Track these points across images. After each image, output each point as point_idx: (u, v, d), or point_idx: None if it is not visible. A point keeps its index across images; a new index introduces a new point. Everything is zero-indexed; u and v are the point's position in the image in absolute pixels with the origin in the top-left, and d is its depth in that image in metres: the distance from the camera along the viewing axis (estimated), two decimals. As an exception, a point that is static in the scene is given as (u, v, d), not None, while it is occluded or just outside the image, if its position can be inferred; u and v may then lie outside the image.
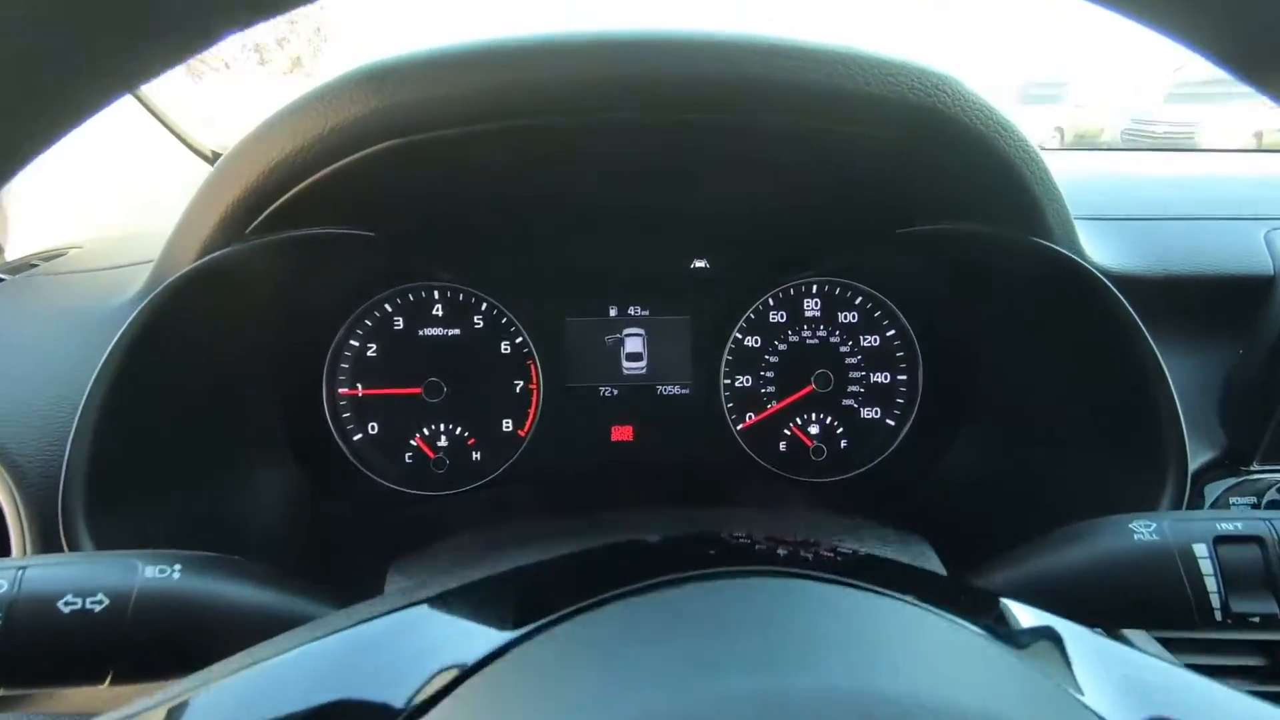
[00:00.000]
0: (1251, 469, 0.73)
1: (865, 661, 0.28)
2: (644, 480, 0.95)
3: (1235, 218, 0.81)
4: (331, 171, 0.52)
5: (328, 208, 0.60)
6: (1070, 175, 0.69)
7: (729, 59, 0.48)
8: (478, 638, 0.33)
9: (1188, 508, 0.63)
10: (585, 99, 0.48)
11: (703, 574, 0.34)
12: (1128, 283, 0.75)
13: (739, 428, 0.97)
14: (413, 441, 0.94)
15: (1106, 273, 0.74)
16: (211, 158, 1.21)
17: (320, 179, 0.53)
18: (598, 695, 0.26)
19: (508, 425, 0.96)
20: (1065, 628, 0.36)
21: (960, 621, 0.33)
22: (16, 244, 0.93)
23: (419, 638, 0.36)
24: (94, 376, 0.56)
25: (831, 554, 0.42)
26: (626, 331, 0.97)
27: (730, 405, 0.97)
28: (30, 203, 0.97)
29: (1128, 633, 0.53)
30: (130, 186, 1.12)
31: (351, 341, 0.92)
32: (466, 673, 0.30)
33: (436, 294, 0.94)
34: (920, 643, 0.31)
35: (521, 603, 0.36)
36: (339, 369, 0.92)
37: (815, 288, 0.97)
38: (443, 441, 0.94)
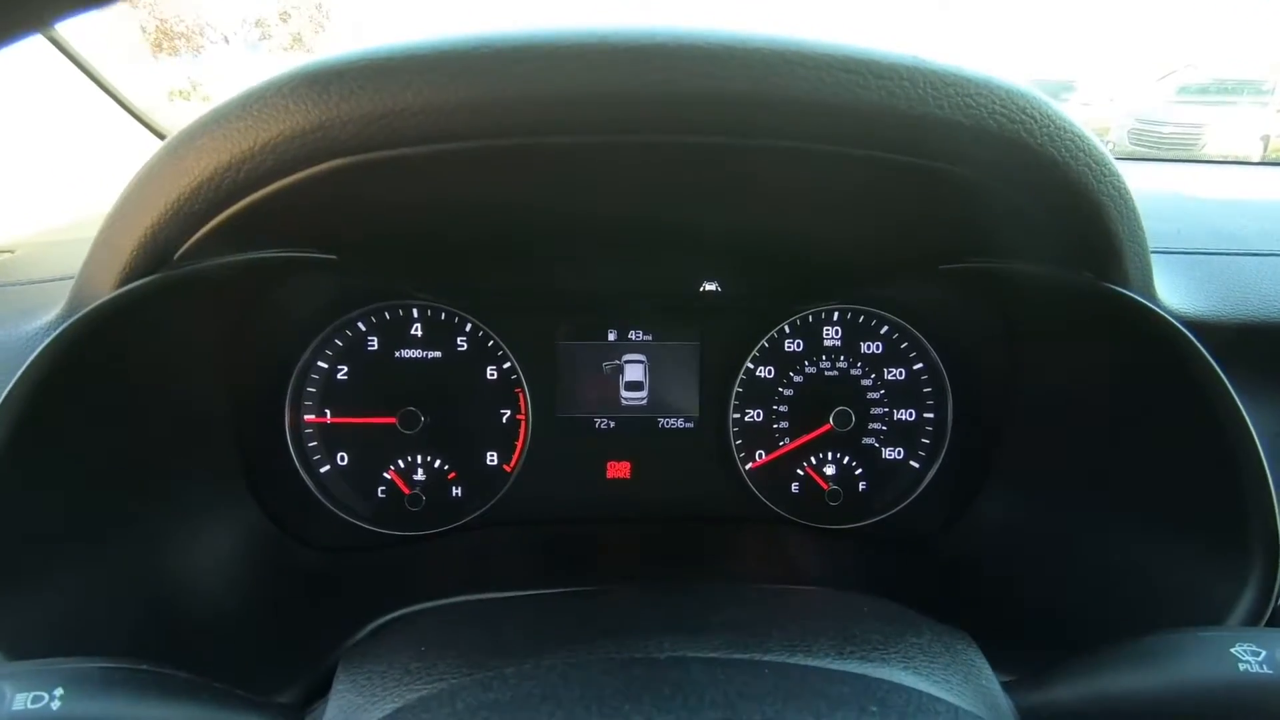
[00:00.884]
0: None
1: None
2: (641, 524, 0.86)
3: None
4: (270, 192, 0.42)
5: (273, 230, 0.50)
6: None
7: (765, 70, 0.38)
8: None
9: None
10: (581, 119, 0.38)
11: None
12: (1202, 329, 0.66)
13: (748, 467, 0.88)
14: (386, 475, 0.84)
15: (1181, 318, 0.64)
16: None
17: (257, 201, 0.43)
18: None
19: (492, 459, 0.86)
20: None
21: None
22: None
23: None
24: None
25: None
26: (626, 358, 0.88)
27: (739, 442, 0.88)
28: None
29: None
30: (85, 177, 1.02)
31: (320, 363, 0.83)
32: None
33: (415, 312, 0.84)
34: None
35: None
36: (305, 393, 0.83)
37: (836, 315, 0.88)
38: (420, 475, 0.85)
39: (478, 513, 0.85)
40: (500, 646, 0.47)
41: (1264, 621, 0.53)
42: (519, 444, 0.86)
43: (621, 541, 0.84)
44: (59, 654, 0.39)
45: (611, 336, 0.87)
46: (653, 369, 0.88)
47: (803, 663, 0.40)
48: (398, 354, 0.84)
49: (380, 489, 0.85)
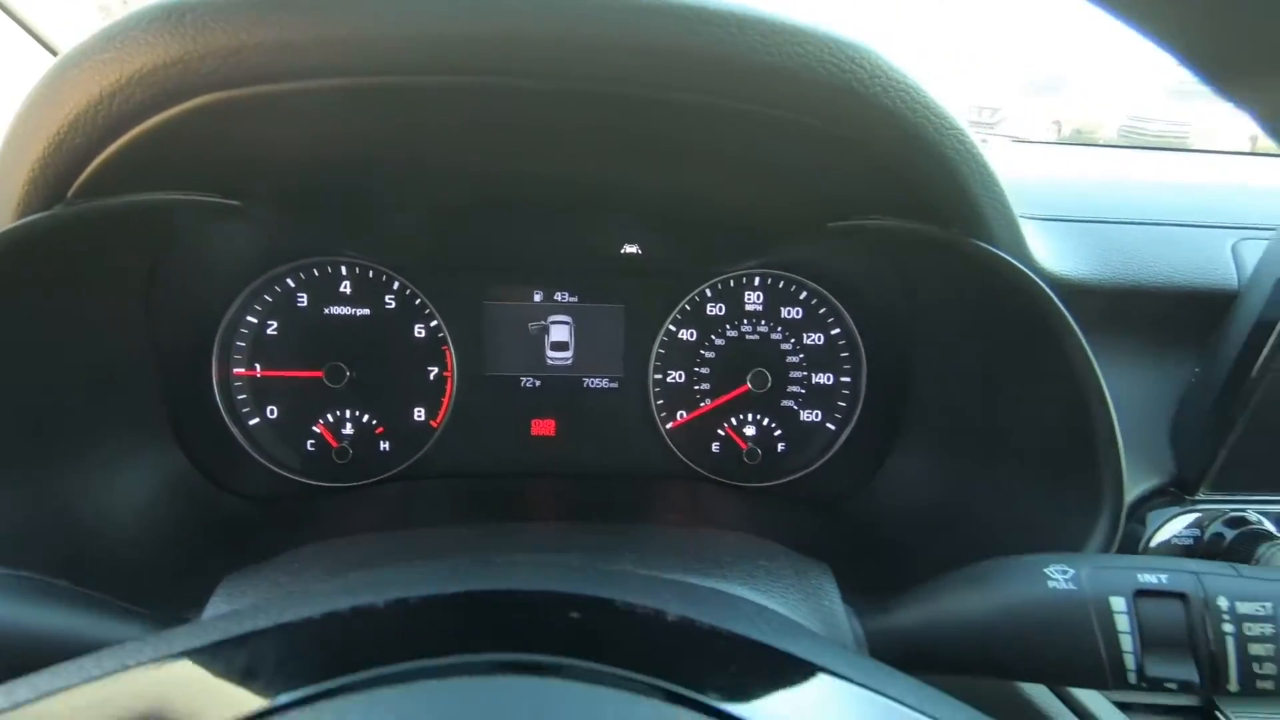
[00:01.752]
0: (1198, 498, 0.68)
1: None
2: (564, 480, 0.89)
3: (1204, 225, 0.74)
4: (150, 128, 0.44)
5: (167, 171, 0.52)
6: (1049, 172, 0.62)
7: (596, 15, 0.40)
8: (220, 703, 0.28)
9: (1126, 537, 0.57)
10: (426, 58, 0.40)
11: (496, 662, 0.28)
12: (1084, 291, 0.69)
13: (669, 426, 0.91)
14: (315, 429, 0.87)
15: (1057, 279, 0.67)
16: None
17: (139, 137, 0.45)
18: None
19: (419, 414, 0.89)
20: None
21: None
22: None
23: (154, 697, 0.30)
24: None
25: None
26: (552, 319, 0.90)
27: (660, 402, 0.91)
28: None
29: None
30: None
31: (249, 318, 0.85)
32: None
33: (344, 270, 0.86)
34: None
35: (282, 670, 0.30)
36: (234, 346, 0.85)
37: (757, 280, 0.90)
38: (348, 429, 0.88)
39: (404, 466, 0.88)
40: (369, 559, 0.50)
41: (1114, 549, 0.56)
42: (445, 401, 0.89)
43: (542, 496, 0.86)
44: None
45: (537, 298, 0.90)
46: (578, 330, 0.90)
47: (634, 569, 0.43)
48: (327, 310, 0.86)
49: (309, 442, 0.87)
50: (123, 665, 0.30)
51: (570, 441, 0.91)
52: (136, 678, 0.30)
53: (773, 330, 0.91)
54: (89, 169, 0.49)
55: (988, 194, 0.55)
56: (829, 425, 0.92)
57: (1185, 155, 1.36)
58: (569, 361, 0.91)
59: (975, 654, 0.46)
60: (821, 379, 0.91)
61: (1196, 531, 0.67)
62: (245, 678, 0.29)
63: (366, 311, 0.87)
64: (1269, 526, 0.65)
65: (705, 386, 0.91)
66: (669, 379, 0.91)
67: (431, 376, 0.89)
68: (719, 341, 0.91)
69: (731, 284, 0.90)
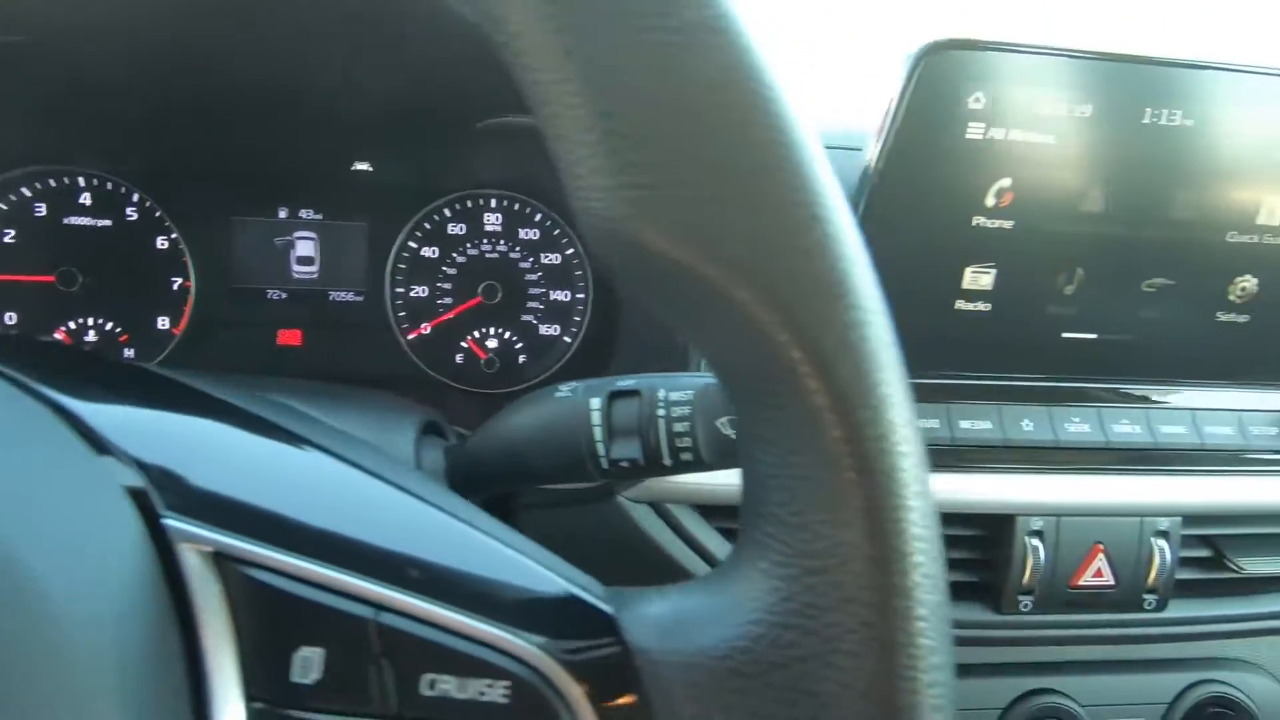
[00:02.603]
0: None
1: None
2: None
3: None
4: None
5: None
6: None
7: None
8: None
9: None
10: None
11: None
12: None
13: (410, 337, 0.97)
14: (56, 335, 0.90)
15: None
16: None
17: None
18: None
19: (163, 323, 0.93)
20: None
21: None
22: None
23: None
24: None
25: None
26: (297, 234, 0.96)
27: (402, 314, 0.97)
28: None
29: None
30: None
31: (-18, 224, 0.88)
32: None
33: (82, 181, 0.90)
34: None
35: None
36: (-35, 253, 0.88)
37: (494, 202, 0.98)
38: (91, 336, 0.91)
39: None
40: None
41: None
42: (186, 309, 0.93)
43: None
44: None
45: (283, 214, 0.95)
46: (323, 245, 0.96)
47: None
48: (66, 221, 0.90)
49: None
50: None
51: (316, 350, 0.97)
52: None
53: (511, 249, 0.99)
54: None
55: None
56: (565, 339, 1.00)
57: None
58: (314, 275, 0.96)
59: (509, 465, 0.55)
60: (559, 296, 1.00)
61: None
62: None
63: (108, 223, 0.91)
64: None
65: (447, 300, 0.98)
66: (413, 293, 0.98)
67: (175, 287, 0.93)
68: (460, 259, 0.98)
69: (469, 205, 0.97)
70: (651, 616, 0.32)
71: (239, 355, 0.95)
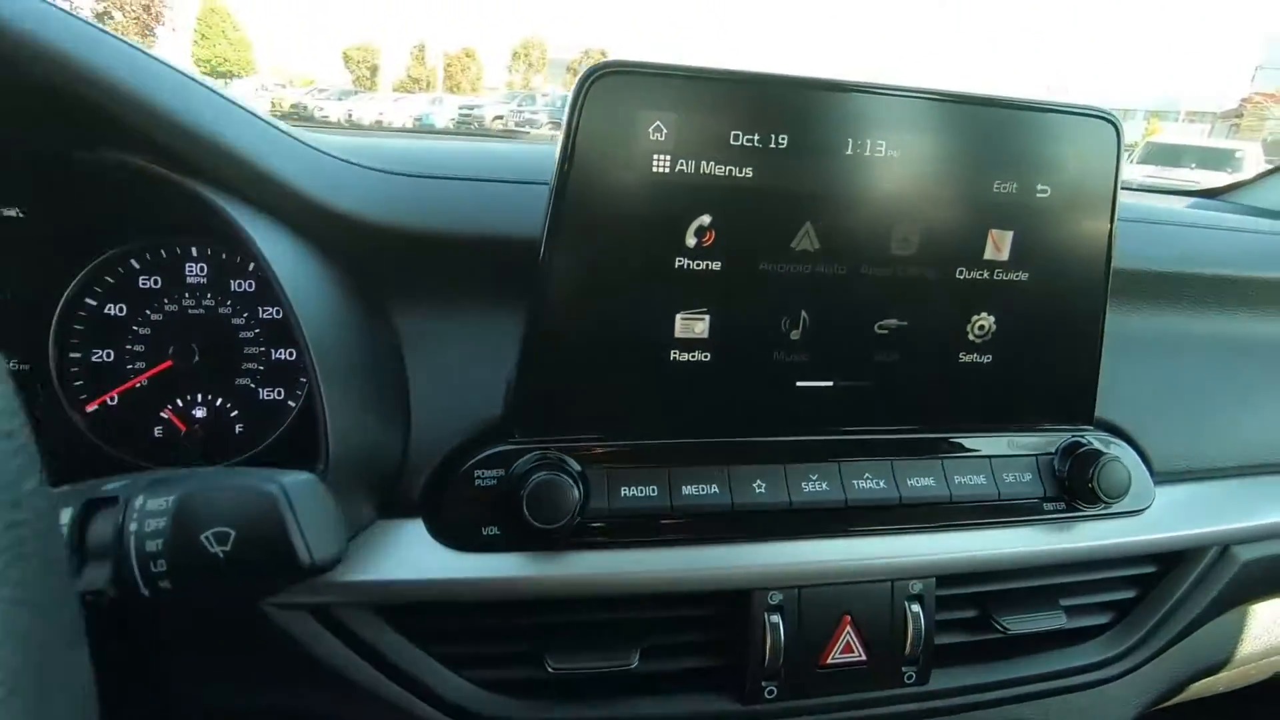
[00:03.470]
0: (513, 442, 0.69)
1: None
2: None
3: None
4: None
5: None
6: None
7: None
8: None
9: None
10: None
11: None
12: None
13: (90, 409, 0.83)
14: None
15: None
16: None
17: None
18: None
19: None
20: None
21: None
22: None
23: None
24: None
25: None
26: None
27: (78, 384, 0.83)
28: None
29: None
30: None
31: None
32: None
33: None
34: None
35: None
36: None
37: (195, 251, 0.85)
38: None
39: None
40: None
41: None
42: None
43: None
44: None
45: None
46: (-20, 306, 0.81)
47: None
48: None
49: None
50: None
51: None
52: None
53: (220, 304, 0.86)
54: None
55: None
56: (289, 403, 0.87)
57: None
58: (-33, 341, 0.81)
59: None
60: (281, 355, 0.87)
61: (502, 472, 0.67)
62: None
63: None
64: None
65: (140, 365, 0.84)
66: (94, 358, 0.83)
67: None
68: (155, 316, 0.84)
69: (164, 254, 0.84)
70: None
71: None
